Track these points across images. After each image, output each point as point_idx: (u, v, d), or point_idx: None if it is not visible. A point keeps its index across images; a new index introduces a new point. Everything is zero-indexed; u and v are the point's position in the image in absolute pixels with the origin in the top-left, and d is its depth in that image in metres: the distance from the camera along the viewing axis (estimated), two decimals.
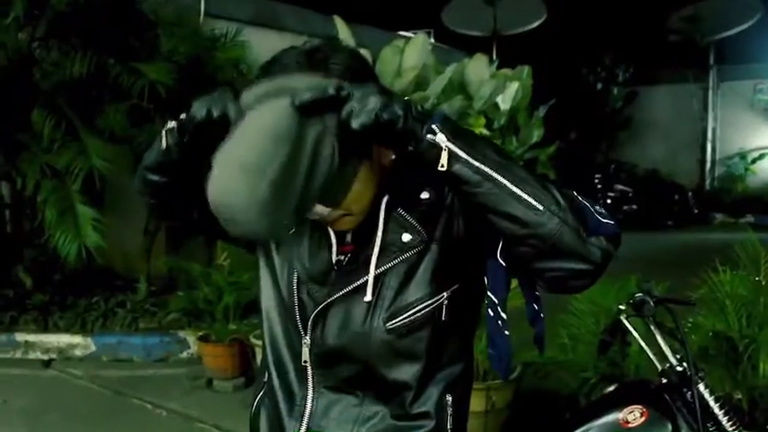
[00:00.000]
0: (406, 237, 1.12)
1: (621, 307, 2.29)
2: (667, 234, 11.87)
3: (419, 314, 1.12)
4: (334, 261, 1.17)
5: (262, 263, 1.28)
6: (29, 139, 5.31)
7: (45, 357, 5.20)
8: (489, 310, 1.11)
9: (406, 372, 1.15)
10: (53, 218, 5.00)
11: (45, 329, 5.34)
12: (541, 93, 12.25)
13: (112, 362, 5.15)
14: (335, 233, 1.17)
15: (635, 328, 2.28)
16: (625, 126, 15.63)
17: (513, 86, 11.11)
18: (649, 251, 9.79)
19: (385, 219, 1.13)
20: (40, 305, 5.52)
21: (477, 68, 9.55)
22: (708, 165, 15.89)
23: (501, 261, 1.08)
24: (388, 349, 1.13)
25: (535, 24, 13.19)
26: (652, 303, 1.98)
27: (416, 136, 0.97)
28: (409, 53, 7.43)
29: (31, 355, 5.23)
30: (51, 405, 4.37)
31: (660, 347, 2.13)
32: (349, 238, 1.18)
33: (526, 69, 11.78)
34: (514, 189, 0.97)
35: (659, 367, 2.14)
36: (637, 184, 13.69)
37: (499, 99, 10.65)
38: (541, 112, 12.11)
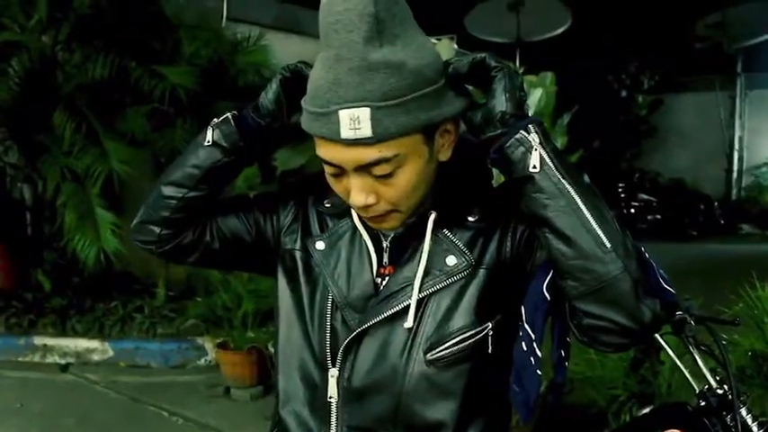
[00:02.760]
0: (452, 260, 1.04)
1: None
2: (692, 245, 11.66)
3: (463, 345, 1.03)
4: (379, 287, 1.07)
5: (282, 286, 1.18)
6: (50, 141, 5.31)
7: (62, 362, 5.18)
8: (523, 344, 1.01)
9: (444, 410, 1.05)
10: (72, 221, 5.00)
11: (63, 333, 5.32)
12: (565, 100, 12.14)
13: (130, 367, 5.12)
14: (376, 250, 1.08)
15: (669, 346, 2.19)
16: (650, 134, 15.44)
17: (537, 93, 11.01)
18: (674, 262, 9.60)
19: (430, 239, 1.04)
20: (59, 309, 5.50)
21: None
22: (734, 174, 15.63)
23: (547, 295, 0.98)
24: (426, 383, 1.03)
25: (559, 31, 13.06)
26: (692, 323, 1.88)
27: (511, 124, 0.93)
28: None
29: (49, 359, 5.21)
30: (67, 410, 4.34)
31: (698, 367, 2.03)
32: (386, 258, 1.09)
33: (549, 76, 11.65)
34: (587, 215, 0.90)
35: (696, 388, 2.04)
36: (661, 193, 13.50)
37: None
38: (565, 119, 12.01)
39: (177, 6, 6.03)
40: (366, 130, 0.90)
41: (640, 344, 0.90)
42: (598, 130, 13.64)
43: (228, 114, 1.11)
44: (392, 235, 1.09)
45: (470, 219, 1.06)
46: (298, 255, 1.16)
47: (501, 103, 0.95)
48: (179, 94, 5.11)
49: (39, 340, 5.25)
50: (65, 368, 5.11)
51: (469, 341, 1.03)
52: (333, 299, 1.09)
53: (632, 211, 13.00)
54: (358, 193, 0.98)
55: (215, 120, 1.12)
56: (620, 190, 13.25)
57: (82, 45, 5.51)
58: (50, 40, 5.51)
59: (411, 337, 1.03)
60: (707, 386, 1.97)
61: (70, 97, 5.33)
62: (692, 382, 2.08)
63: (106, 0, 5.23)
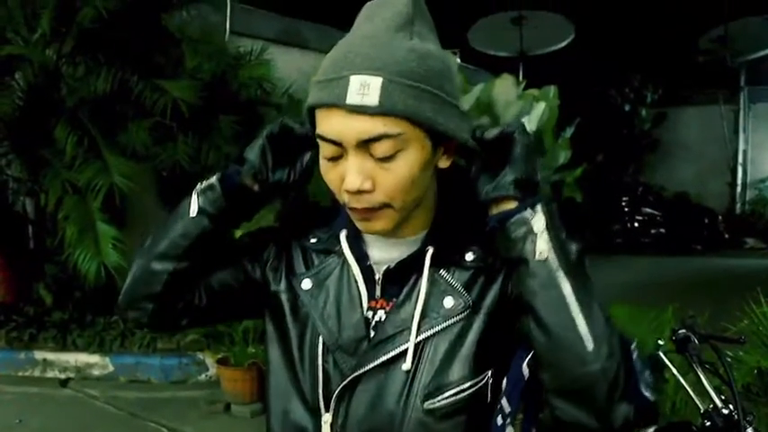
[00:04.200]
0: (449, 302, 0.98)
1: (660, 342, 2.17)
2: (697, 259, 11.61)
3: (462, 395, 0.97)
4: (371, 323, 1.02)
5: (269, 330, 1.12)
6: (52, 155, 5.31)
7: (63, 376, 5.16)
8: (499, 418, 0.97)
9: None
10: (74, 235, 4.99)
11: (63, 348, 5.30)
12: (568, 114, 12.14)
13: (130, 383, 5.09)
14: (366, 284, 1.03)
15: (673, 364, 2.16)
16: (653, 148, 15.42)
17: (540, 107, 11.01)
18: (679, 276, 9.58)
19: (428, 279, 0.99)
20: (60, 323, 5.49)
21: (504, 89, 9.46)
22: (738, 188, 15.59)
23: (525, 372, 0.95)
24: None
25: (562, 44, 13.08)
26: (696, 341, 1.85)
27: (521, 196, 0.91)
28: None
29: (49, 374, 5.19)
30: (67, 425, 4.31)
31: (702, 386, 2.00)
32: (378, 291, 1.03)
33: (553, 90, 11.66)
34: (576, 313, 0.87)
35: (701, 407, 2.01)
36: (665, 207, 13.46)
37: (525, 120, 10.56)
38: (568, 133, 12.00)
39: (180, 20, 6.06)
40: (374, 98, 0.87)
41: None
42: (602, 143, 13.62)
43: (213, 179, 1.07)
44: (386, 268, 1.03)
45: (468, 259, 1.01)
46: (283, 296, 1.10)
47: (520, 168, 0.93)
48: (181, 108, 5.11)
49: (39, 355, 5.23)
50: (65, 383, 5.08)
51: (469, 391, 0.98)
52: (323, 341, 1.04)
53: (636, 225, 12.97)
54: (355, 174, 0.91)
55: (199, 186, 1.08)
56: (623, 204, 13.22)
57: (85, 59, 5.52)
58: (54, 54, 5.52)
59: (408, 383, 0.98)
60: (712, 405, 1.93)
61: (73, 111, 5.33)
62: (697, 401, 2.04)
63: (110, 14, 5.23)
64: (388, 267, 1.03)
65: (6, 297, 5.90)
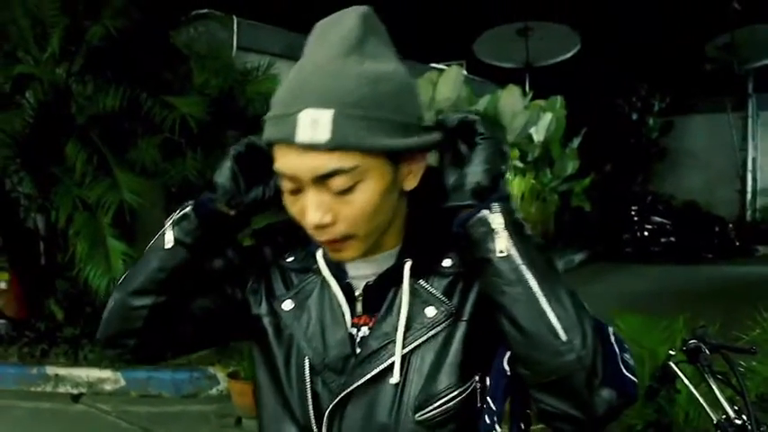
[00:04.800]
0: (431, 311, 0.98)
1: (672, 352, 2.17)
2: (707, 267, 11.55)
3: (452, 403, 0.97)
4: (356, 340, 1.01)
5: (256, 354, 1.11)
6: (62, 172, 5.35)
7: (75, 391, 5.17)
8: (486, 417, 0.97)
9: None
10: (84, 251, 5.02)
11: (75, 363, 5.32)
12: (575, 124, 12.15)
13: (141, 397, 5.10)
14: (347, 301, 1.02)
15: (685, 375, 2.15)
16: (661, 157, 15.40)
17: (547, 117, 11.04)
18: (689, 285, 9.53)
19: (408, 291, 0.98)
20: (71, 338, 5.51)
21: (511, 100, 9.49)
22: (748, 195, 15.53)
23: (506, 368, 0.95)
24: None
25: (568, 55, 13.12)
26: (708, 352, 1.84)
27: (479, 200, 0.90)
28: (443, 85, 7.40)
29: (61, 389, 5.20)
30: None
31: (714, 396, 1.99)
32: (360, 307, 1.02)
33: (559, 100, 11.71)
34: (545, 306, 0.86)
35: (714, 418, 2.00)
36: (675, 215, 13.41)
37: (533, 131, 10.59)
38: (575, 143, 12.00)
39: (188, 37, 6.11)
40: (324, 134, 0.85)
41: (598, 431, 0.87)
42: (610, 153, 13.61)
43: (187, 209, 1.03)
44: (365, 283, 1.02)
45: (446, 265, 0.99)
46: (265, 320, 1.08)
47: (477, 173, 0.92)
48: (189, 123, 5.14)
49: (51, 370, 5.25)
50: (77, 398, 5.09)
51: (458, 398, 0.97)
52: (309, 362, 1.02)
53: (645, 234, 12.92)
54: (314, 210, 0.90)
55: (173, 217, 1.05)
56: (632, 213, 13.18)
57: (94, 77, 5.58)
58: (64, 73, 5.58)
59: (398, 395, 0.97)
60: (725, 416, 1.93)
61: (83, 128, 5.38)
62: (710, 412, 2.04)
63: (118, 32, 5.29)
64: (367, 283, 1.02)
65: (18, 313, 5.94)
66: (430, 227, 0.99)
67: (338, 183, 0.88)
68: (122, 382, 5.18)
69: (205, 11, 6.82)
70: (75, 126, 5.42)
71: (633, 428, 3.00)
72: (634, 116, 14.64)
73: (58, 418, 4.72)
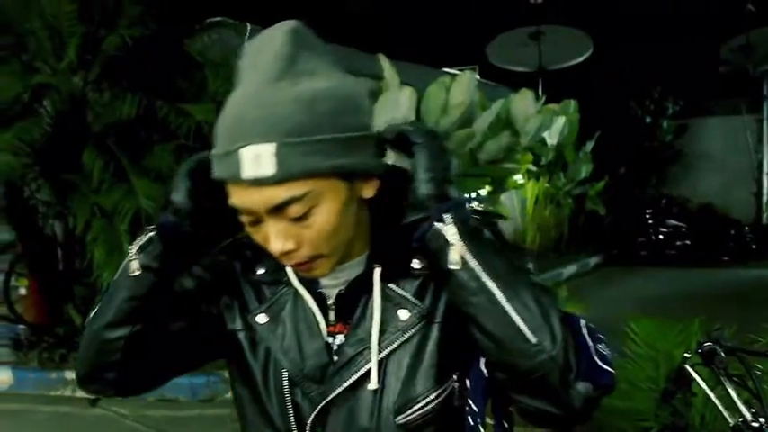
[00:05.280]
0: (404, 314, 0.98)
1: (687, 355, 2.17)
2: (724, 270, 11.47)
3: (431, 405, 0.98)
4: (333, 348, 1.02)
5: (233, 370, 1.11)
6: (79, 179, 5.42)
7: (92, 395, 5.22)
8: (469, 418, 0.98)
9: None
10: (102, 256, 5.08)
11: None
12: (589, 127, 12.12)
13: (158, 401, 5.13)
14: (320, 309, 1.03)
15: (701, 377, 2.15)
16: (676, 160, 15.31)
17: (560, 121, 11.03)
18: (705, 288, 9.47)
19: (380, 295, 0.99)
20: None
21: (524, 104, 9.48)
22: (764, 198, 15.39)
23: (483, 370, 0.96)
24: None
25: (581, 59, 13.09)
26: (723, 354, 1.85)
27: (431, 212, 0.90)
28: (456, 90, 7.40)
29: (80, 393, 5.25)
30: None
31: (731, 399, 1.99)
32: (333, 316, 1.03)
33: (572, 104, 11.69)
34: (510, 311, 0.86)
35: (730, 421, 2.00)
36: (690, 218, 13.33)
37: (546, 134, 10.57)
38: (589, 146, 11.97)
39: (202, 45, 6.16)
40: (268, 168, 0.84)
41: (578, 424, 0.88)
42: (624, 156, 13.55)
43: (150, 234, 1.01)
44: (337, 292, 1.02)
45: (415, 266, 1.00)
46: (240, 335, 1.08)
47: (421, 183, 0.91)
48: (204, 130, 5.19)
49: (70, 374, 5.30)
50: (94, 402, 5.14)
51: (437, 400, 0.99)
52: (288, 374, 1.03)
53: (661, 237, 12.85)
54: (275, 239, 0.91)
55: (135, 244, 1.02)
56: (647, 216, 13.11)
57: (111, 85, 5.64)
58: (80, 81, 5.65)
59: (378, 401, 0.98)
60: (741, 419, 1.93)
61: (99, 136, 5.45)
62: (726, 415, 2.04)
63: (134, 41, 5.36)
64: (339, 291, 1.02)
65: (38, 318, 6.01)
66: (396, 230, 0.97)
67: (294, 211, 0.88)
68: None
69: (219, 19, 6.87)
70: (92, 134, 5.49)
71: (648, 431, 3.01)
72: (648, 119, 14.58)
73: (77, 422, 4.78)
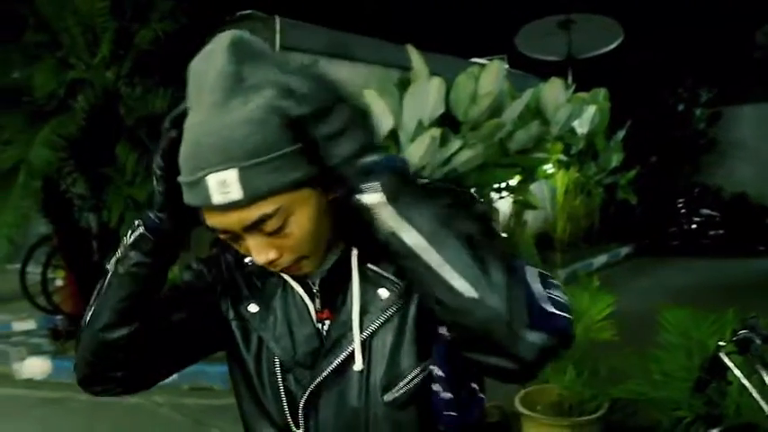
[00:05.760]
0: (384, 293, 1.00)
1: (721, 343, 2.15)
2: (758, 260, 11.26)
3: (415, 381, 1.00)
4: (323, 334, 1.04)
5: (229, 360, 1.14)
6: (113, 172, 5.51)
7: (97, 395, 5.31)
8: (434, 386, 0.99)
9: None
10: None
11: None
12: (619, 116, 11.96)
13: (193, 390, 5.22)
14: (309, 296, 1.05)
15: (736, 365, 2.13)
16: (709, 148, 15.04)
17: (590, 110, 10.91)
18: (739, 278, 9.32)
19: (358, 277, 1.00)
20: None
21: (553, 93, 9.40)
22: None
23: (445, 332, 0.96)
24: (389, 425, 1.00)
25: (611, 47, 12.91)
26: (759, 341, 1.83)
27: (353, 186, 0.87)
28: (484, 79, 7.37)
29: None
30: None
31: (767, 388, 1.97)
32: (318, 304, 1.05)
33: (602, 92, 11.55)
34: (444, 273, 0.83)
35: (767, 410, 1.98)
36: (723, 208, 13.09)
37: (576, 123, 10.47)
38: (620, 135, 11.82)
39: None
40: (236, 193, 0.86)
41: (535, 376, 0.87)
42: (655, 145, 13.36)
43: (139, 230, 1.01)
44: (319, 278, 1.04)
45: None
46: (233, 324, 1.11)
47: (331, 154, 0.87)
48: None
49: None
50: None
51: (421, 376, 1.00)
52: (280, 361, 1.06)
53: (693, 226, 12.65)
54: (257, 252, 0.93)
55: (125, 241, 1.03)
56: (679, 206, 12.92)
57: (142, 79, 5.72)
58: (113, 76, 5.74)
59: (365, 381, 1.00)
60: None
61: (132, 129, 5.53)
62: (762, 404, 2.02)
63: (165, 35, 5.42)
64: (321, 277, 1.04)
65: (74, 308, 6.14)
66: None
67: (269, 226, 0.90)
68: (174, 375, 5.28)
69: (248, 12, 6.93)
70: (125, 127, 5.57)
71: (682, 421, 2.98)
72: (680, 107, 14.34)
73: (114, 411, 4.87)
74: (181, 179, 0.91)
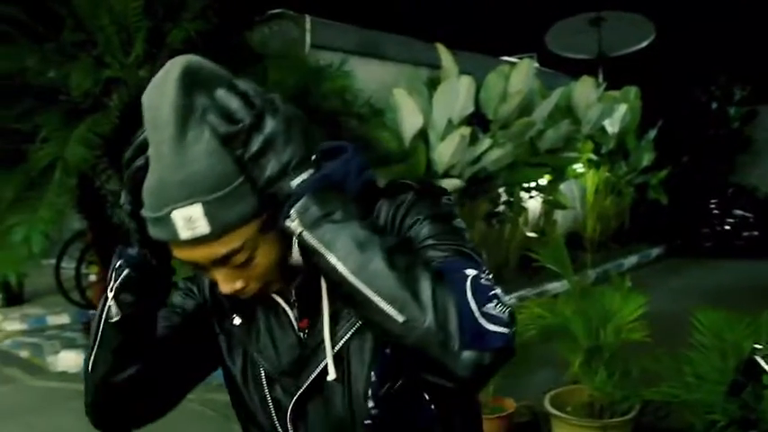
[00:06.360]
0: None
1: (757, 346, 2.13)
2: None
3: (397, 386, 0.98)
4: (301, 339, 1.04)
5: (222, 374, 1.16)
6: None
7: None
8: (363, 390, 0.99)
9: None
10: None
11: None
12: (651, 115, 11.82)
13: (222, 386, 5.25)
14: (289, 306, 1.04)
15: None
16: (744, 147, 14.79)
17: (621, 109, 10.80)
18: None
19: (327, 286, 0.98)
20: None
21: (584, 92, 9.33)
22: None
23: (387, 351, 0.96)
24: (378, 430, 1.00)
25: (643, 44, 12.76)
26: None
27: (277, 210, 0.86)
28: (515, 78, 7.35)
29: None
30: (165, 427, 4.50)
31: None
32: (296, 313, 1.04)
33: (633, 91, 11.43)
34: (372, 296, 0.82)
35: None
36: (758, 208, 12.87)
37: (607, 122, 10.38)
38: (651, 134, 11.68)
39: (262, 37, 6.26)
40: (203, 228, 0.85)
41: (475, 392, 0.87)
42: (687, 144, 13.17)
43: (124, 270, 0.99)
44: (295, 288, 1.03)
45: None
46: (219, 338, 1.12)
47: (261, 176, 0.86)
48: None
49: None
50: None
51: (399, 381, 0.99)
52: (264, 372, 1.06)
53: (726, 227, 12.45)
54: (224, 283, 0.93)
55: (111, 288, 1.00)
56: (712, 206, 12.73)
57: None
58: (147, 74, 5.80)
59: (347, 389, 1.00)
60: None
61: None
62: None
63: (199, 35, 5.48)
64: (296, 286, 1.03)
65: None
66: None
67: (237, 260, 0.91)
68: None
69: (278, 11, 6.97)
70: None
71: (716, 425, 2.94)
72: (714, 106, 14.12)
73: None
74: (146, 214, 0.90)
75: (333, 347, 0.98)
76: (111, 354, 1.02)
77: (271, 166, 0.85)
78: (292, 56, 6.29)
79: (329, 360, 0.98)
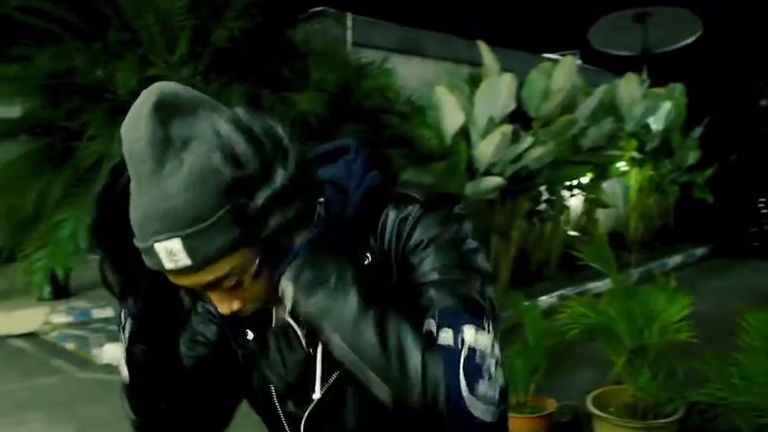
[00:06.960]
0: None
1: None
2: None
3: None
4: (309, 355, 1.04)
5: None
6: None
7: None
8: None
9: None
10: None
11: None
12: (697, 112, 11.57)
13: None
14: (296, 322, 1.04)
15: None
16: None
17: (666, 106, 10.59)
18: None
19: None
20: None
21: (628, 89, 9.19)
22: None
23: None
24: None
25: (689, 40, 12.50)
26: None
27: (275, 261, 0.87)
28: (557, 75, 7.27)
29: None
30: None
31: None
32: (304, 330, 1.04)
33: (679, 88, 11.20)
34: (362, 367, 0.85)
35: None
36: None
37: (651, 120, 10.19)
38: (697, 132, 11.44)
39: (304, 34, 6.31)
40: (185, 260, 0.84)
41: None
42: (735, 142, 12.87)
43: (129, 322, 0.99)
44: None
45: (366, 262, 0.98)
46: (238, 353, 1.13)
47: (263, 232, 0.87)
48: (309, 119, 5.32)
49: None
50: None
51: None
52: (274, 388, 1.07)
53: None
54: (220, 305, 0.93)
55: (122, 338, 1.01)
56: (760, 205, 12.42)
57: (218, 76, 5.86)
58: (190, 73, 5.89)
59: (358, 402, 1.00)
60: None
61: None
62: None
63: (242, 33, 5.54)
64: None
65: None
66: (336, 234, 0.95)
67: (227, 284, 0.90)
68: None
69: (320, 9, 7.02)
70: None
71: (765, 428, 2.87)
72: (762, 103, 13.76)
73: None
74: (136, 243, 0.89)
75: (329, 369, 1.00)
76: (140, 401, 1.04)
77: (273, 223, 0.85)
78: (334, 54, 6.32)
79: (318, 378, 1.01)
